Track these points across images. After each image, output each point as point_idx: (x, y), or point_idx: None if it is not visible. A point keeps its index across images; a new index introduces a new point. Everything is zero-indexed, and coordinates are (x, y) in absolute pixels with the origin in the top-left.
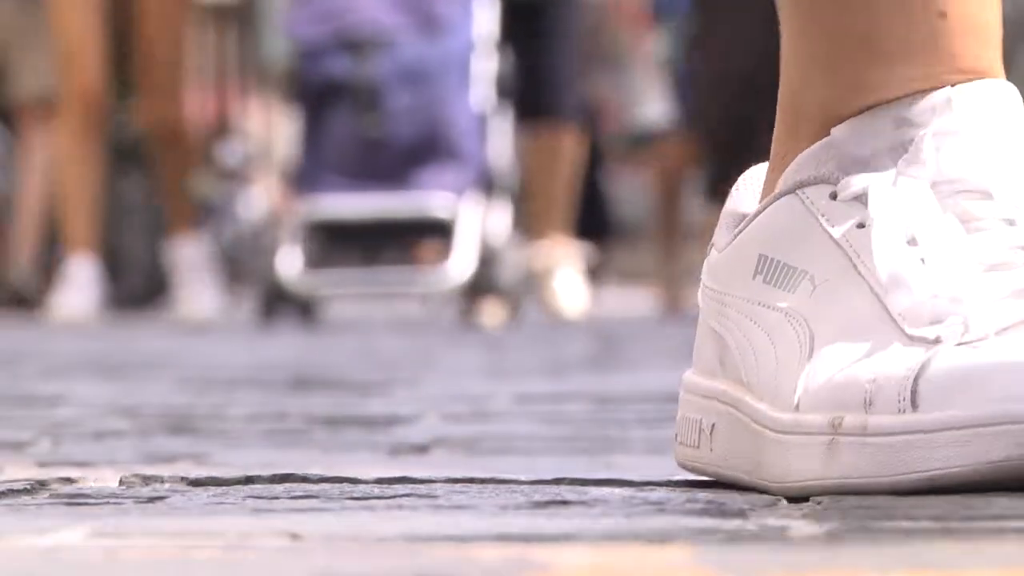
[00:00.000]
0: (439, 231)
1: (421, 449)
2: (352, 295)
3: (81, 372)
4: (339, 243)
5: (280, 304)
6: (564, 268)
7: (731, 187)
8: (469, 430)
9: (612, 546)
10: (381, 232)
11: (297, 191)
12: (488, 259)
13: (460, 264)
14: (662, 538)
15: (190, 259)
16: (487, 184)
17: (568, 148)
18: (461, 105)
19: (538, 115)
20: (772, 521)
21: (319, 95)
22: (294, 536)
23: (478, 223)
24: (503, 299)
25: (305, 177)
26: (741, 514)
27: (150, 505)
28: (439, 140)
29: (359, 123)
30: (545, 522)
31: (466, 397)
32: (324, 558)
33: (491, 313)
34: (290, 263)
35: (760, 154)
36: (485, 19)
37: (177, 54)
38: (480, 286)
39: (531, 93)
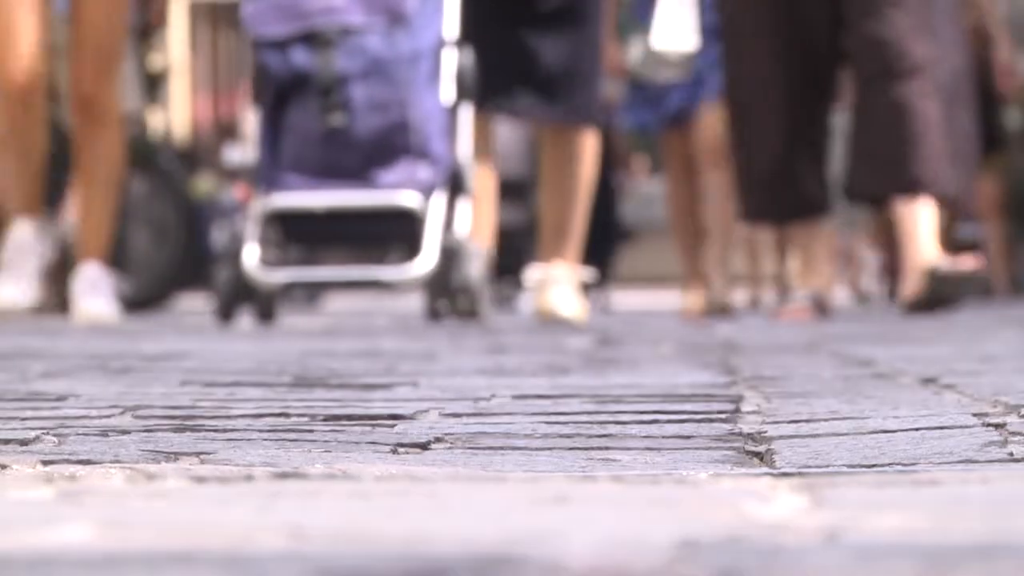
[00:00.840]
0: (404, 228)
1: (422, 446)
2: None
3: (86, 371)
4: (303, 239)
5: (240, 302)
6: (562, 285)
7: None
8: (469, 427)
9: (611, 542)
10: (346, 229)
11: (261, 188)
12: (451, 257)
13: (424, 261)
14: (660, 534)
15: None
16: (453, 182)
17: (586, 158)
18: (430, 102)
19: (551, 116)
20: (771, 515)
21: (282, 90)
22: (297, 533)
23: (442, 221)
24: (466, 297)
25: (268, 174)
26: (740, 509)
27: (154, 502)
28: (407, 137)
29: (323, 118)
30: (544, 518)
31: (466, 395)
32: (327, 554)
33: (453, 310)
34: (251, 260)
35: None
36: (452, 16)
37: (114, 36)
38: (444, 283)
39: (546, 89)
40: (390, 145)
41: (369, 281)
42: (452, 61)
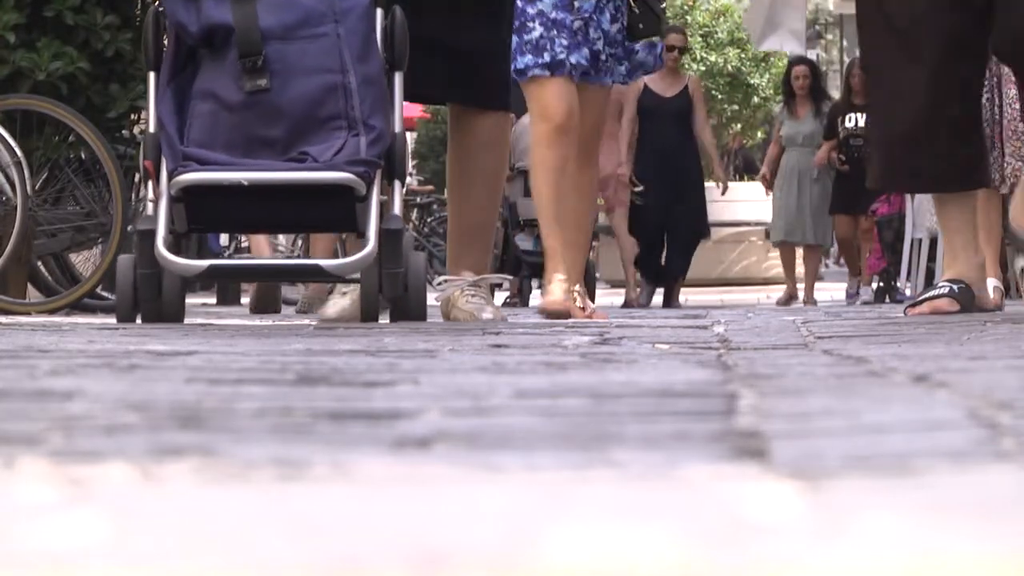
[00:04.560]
0: (338, 211)
1: (423, 443)
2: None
3: (93, 369)
4: (217, 226)
5: (143, 298)
6: (475, 296)
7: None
8: (469, 424)
9: (609, 538)
10: (269, 213)
11: (166, 166)
12: (391, 245)
13: (364, 249)
14: (658, 530)
15: None
16: (389, 160)
17: (496, 146)
18: (367, 68)
19: (462, 99)
20: (769, 510)
21: (191, 48)
22: (301, 526)
23: (379, 204)
24: (413, 294)
25: (175, 149)
26: (737, 507)
27: (159, 498)
28: (342, 106)
29: (244, 82)
30: (543, 513)
31: (466, 392)
32: (330, 546)
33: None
34: (160, 249)
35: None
36: None
37: None
38: (389, 275)
39: (457, 73)
40: (323, 115)
41: (303, 272)
42: (384, 23)
